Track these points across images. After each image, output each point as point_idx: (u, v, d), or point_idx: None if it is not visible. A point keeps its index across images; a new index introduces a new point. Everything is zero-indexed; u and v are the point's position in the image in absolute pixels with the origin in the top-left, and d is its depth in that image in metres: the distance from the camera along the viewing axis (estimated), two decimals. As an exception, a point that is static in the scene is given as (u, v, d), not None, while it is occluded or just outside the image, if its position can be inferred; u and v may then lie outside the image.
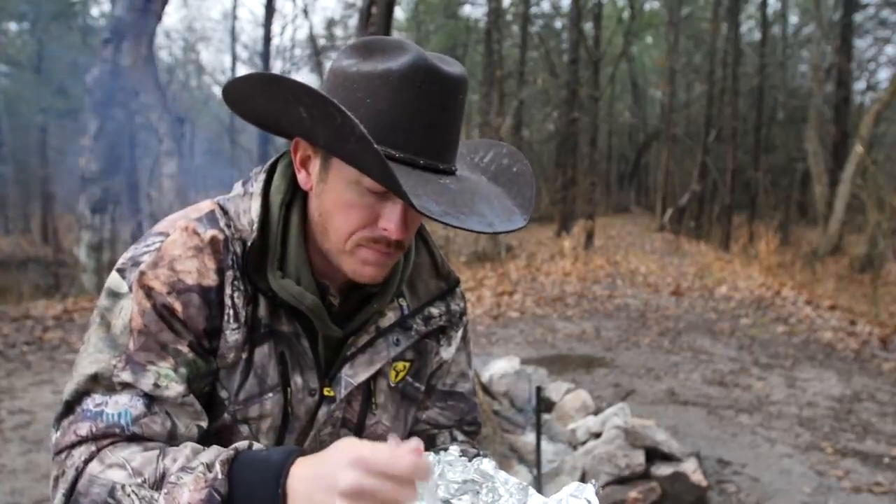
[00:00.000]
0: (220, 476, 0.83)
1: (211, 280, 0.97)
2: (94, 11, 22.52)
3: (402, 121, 0.91)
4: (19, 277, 11.62)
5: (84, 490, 0.89)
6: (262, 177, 1.05)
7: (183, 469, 0.85)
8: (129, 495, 0.86)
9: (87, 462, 0.91)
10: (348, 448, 0.78)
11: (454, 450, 0.91)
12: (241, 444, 0.88)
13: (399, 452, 0.76)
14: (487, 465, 0.88)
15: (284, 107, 0.93)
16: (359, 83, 0.93)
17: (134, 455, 0.89)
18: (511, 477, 0.88)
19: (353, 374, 1.07)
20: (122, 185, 9.13)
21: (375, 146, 0.83)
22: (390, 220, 0.94)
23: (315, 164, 0.99)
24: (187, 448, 0.89)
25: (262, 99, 0.96)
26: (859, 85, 23.41)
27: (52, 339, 6.80)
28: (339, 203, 0.96)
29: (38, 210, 20.94)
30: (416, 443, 0.77)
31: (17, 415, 4.85)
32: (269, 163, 1.08)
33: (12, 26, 20.55)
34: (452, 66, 0.95)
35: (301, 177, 1.01)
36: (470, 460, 0.89)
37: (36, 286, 10.50)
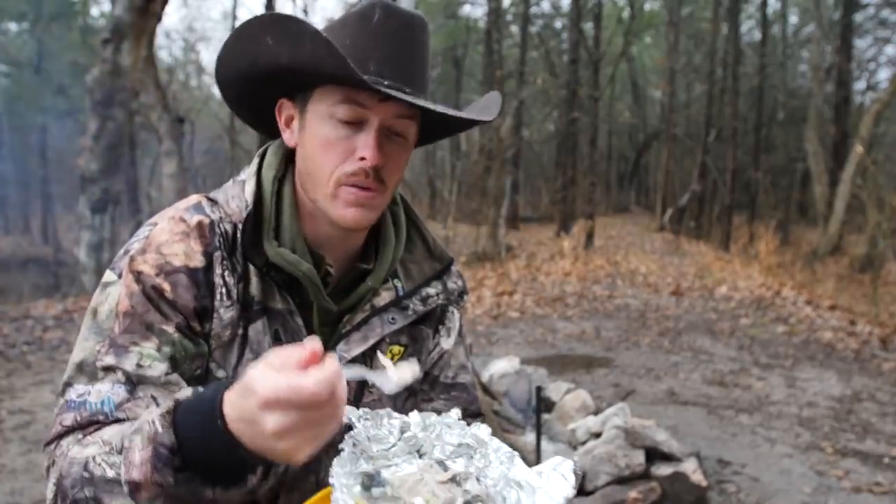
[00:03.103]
0: (160, 430, 0.82)
1: (198, 262, 1.00)
2: (94, 11, 22.53)
3: (362, 50, 0.98)
4: (19, 277, 11.63)
5: (66, 472, 0.90)
6: (256, 160, 1.10)
7: (135, 431, 0.85)
8: (99, 464, 0.87)
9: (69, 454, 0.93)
10: (257, 388, 0.73)
11: (455, 412, 0.92)
12: (183, 393, 0.87)
13: (300, 382, 0.71)
14: (483, 431, 0.90)
15: (256, 45, 0.99)
16: (328, 33, 1.00)
17: (104, 431, 0.91)
18: (503, 444, 0.89)
19: (347, 350, 1.09)
20: (122, 185, 9.13)
21: (328, 38, 0.90)
22: (365, 147, 0.98)
23: (296, 119, 1.06)
24: (146, 410, 0.90)
25: (238, 49, 1.02)
26: (859, 85, 23.44)
27: (52, 339, 6.80)
28: (318, 142, 1.01)
29: (38, 210, 20.95)
30: (313, 347, 0.74)
31: (17, 415, 4.85)
32: (262, 149, 1.13)
33: (12, 26, 20.56)
34: (410, 10, 1.03)
35: (286, 136, 1.08)
36: (468, 425, 0.91)
37: (36, 286, 10.50)
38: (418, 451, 0.88)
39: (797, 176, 23.55)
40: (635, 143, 33.25)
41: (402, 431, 0.88)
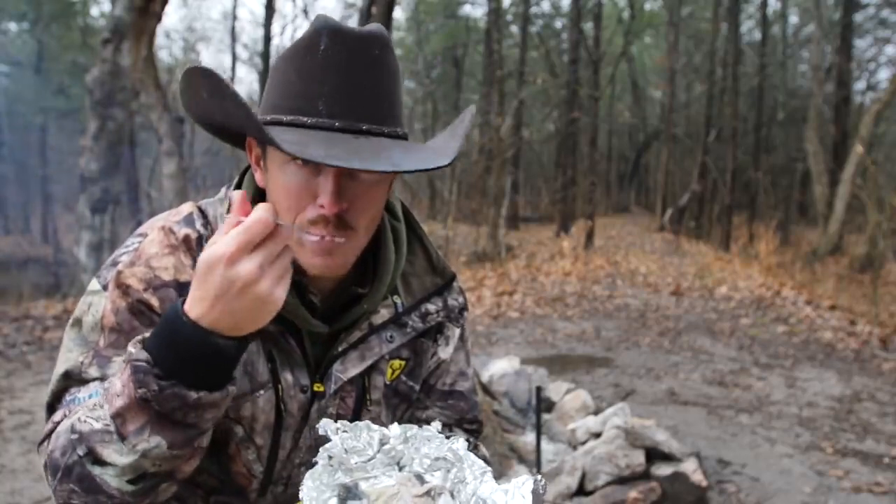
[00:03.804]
0: (133, 352, 0.83)
1: (188, 275, 0.97)
2: (94, 11, 22.52)
3: (310, 85, 0.90)
4: (19, 277, 11.62)
5: (54, 447, 0.90)
6: (236, 180, 1.07)
7: (112, 377, 0.87)
8: (84, 421, 0.86)
9: None
10: (216, 256, 0.78)
11: (436, 425, 0.91)
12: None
13: (247, 222, 0.78)
14: (460, 445, 0.89)
15: (196, 95, 0.93)
16: (277, 66, 0.94)
17: (90, 401, 0.91)
18: (478, 460, 0.89)
19: (344, 370, 1.06)
20: (122, 185, 9.11)
21: (241, 99, 0.83)
22: (323, 193, 0.91)
23: (262, 160, 1.00)
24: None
25: (187, 96, 0.97)
26: (859, 85, 23.42)
27: (52, 339, 6.80)
28: (279, 188, 0.95)
29: (38, 210, 20.93)
30: (237, 196, 0.81)
31: (17, 415, 4.85)
32: (246, 166, 1.09)
33: (12, 26, 20.54)
34: (364, 28, 0.93)
35: (257, 176, 1.03)
36: (447, 437, 0.90)
37: (36, 286, 10.49)
38: (398, 464, 0.87)
39: (797, 176, 23.55)
40: (635, 143, 33.25)
41: (382, 443, 0.88)
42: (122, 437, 0.83)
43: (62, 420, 0.93)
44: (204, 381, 0.82)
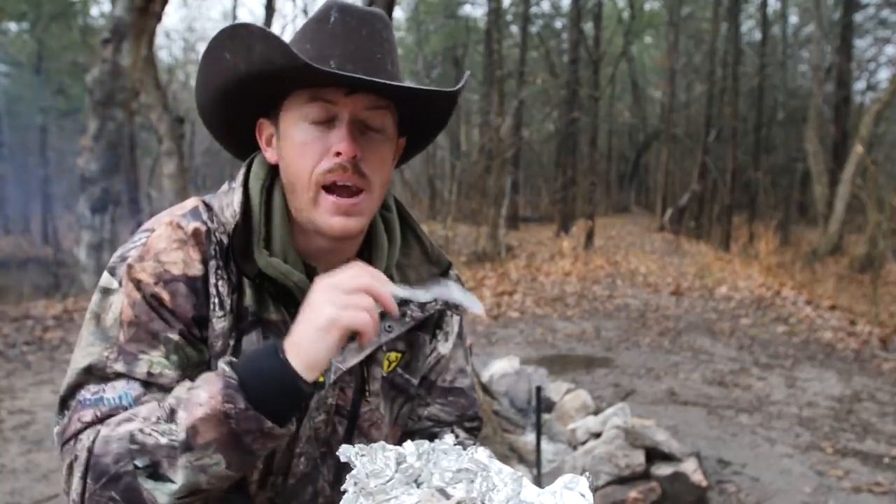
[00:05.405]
0: (227, 369, 0.89)
1: (196, 270, 1.00)
2: (94, 11, 22.53)
3: (323, 51, 0.98)
4: (19, 277, 11.63)
5: (102, 451, 0.90)
6: (243, 170, 1.10)
7: (190, 388, 0.91)
8: (149, 434, 0.89)
9: (95, 440, 0.92)
10: (322, 293, 0.91)
11: (449, 439, 0.92)
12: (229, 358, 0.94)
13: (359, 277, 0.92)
14: (482, 454, 0.89)
15: (218, 67, 1.00)
16: (292, 41, 1.02)
17: (136, 410, 0.93)
18: (505, 466, 0.88)
19: (343, 360, 1.07)
20: (122, 185, 9.11)
21: (273, 33, 0.91)
22: (339, 141, 0.98)
23: (274, 134, 1.06)
24: (184, 384, 0.94)
25: (206, 77, 1.03)
26: (859, 85, 23.43)
27: (52, 339, 6.80)
28: (294, 148, 1.01)
29: (38, 210, 20.93)
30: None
31: (17, 415, 4.85)
32: (248, 160, 1.13)
33: (12, 26, 20.55)
34: (368, 7, 1.04)
35: (268, 154, 1.08)
36: (465, 449, 0.90)
37: (36, 286, 10.49)
38: (416, 481, 0.87)
39: (797, 176, 23.56)
40: (635, 143, 33.25)
41: (399, 463, 0.87)
42: (190, 448, 0.87)
43: (94, 422, 0.93)
44: (276, 415, 0.89)
